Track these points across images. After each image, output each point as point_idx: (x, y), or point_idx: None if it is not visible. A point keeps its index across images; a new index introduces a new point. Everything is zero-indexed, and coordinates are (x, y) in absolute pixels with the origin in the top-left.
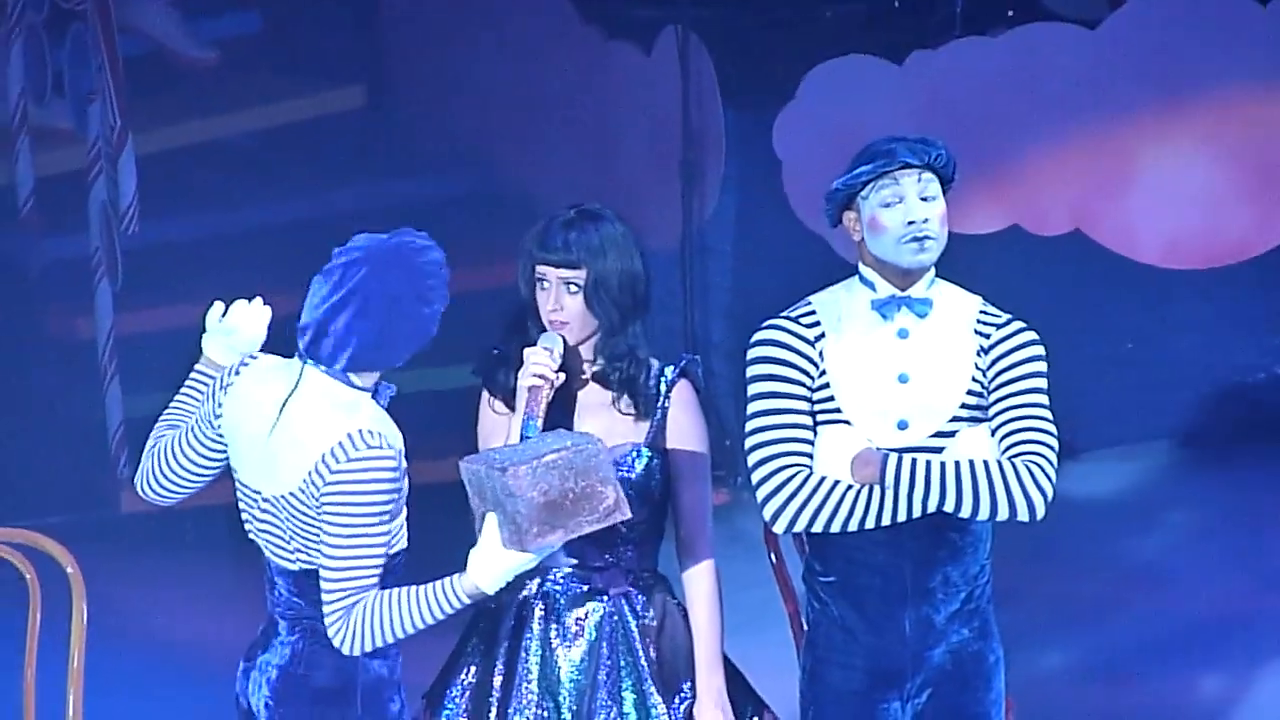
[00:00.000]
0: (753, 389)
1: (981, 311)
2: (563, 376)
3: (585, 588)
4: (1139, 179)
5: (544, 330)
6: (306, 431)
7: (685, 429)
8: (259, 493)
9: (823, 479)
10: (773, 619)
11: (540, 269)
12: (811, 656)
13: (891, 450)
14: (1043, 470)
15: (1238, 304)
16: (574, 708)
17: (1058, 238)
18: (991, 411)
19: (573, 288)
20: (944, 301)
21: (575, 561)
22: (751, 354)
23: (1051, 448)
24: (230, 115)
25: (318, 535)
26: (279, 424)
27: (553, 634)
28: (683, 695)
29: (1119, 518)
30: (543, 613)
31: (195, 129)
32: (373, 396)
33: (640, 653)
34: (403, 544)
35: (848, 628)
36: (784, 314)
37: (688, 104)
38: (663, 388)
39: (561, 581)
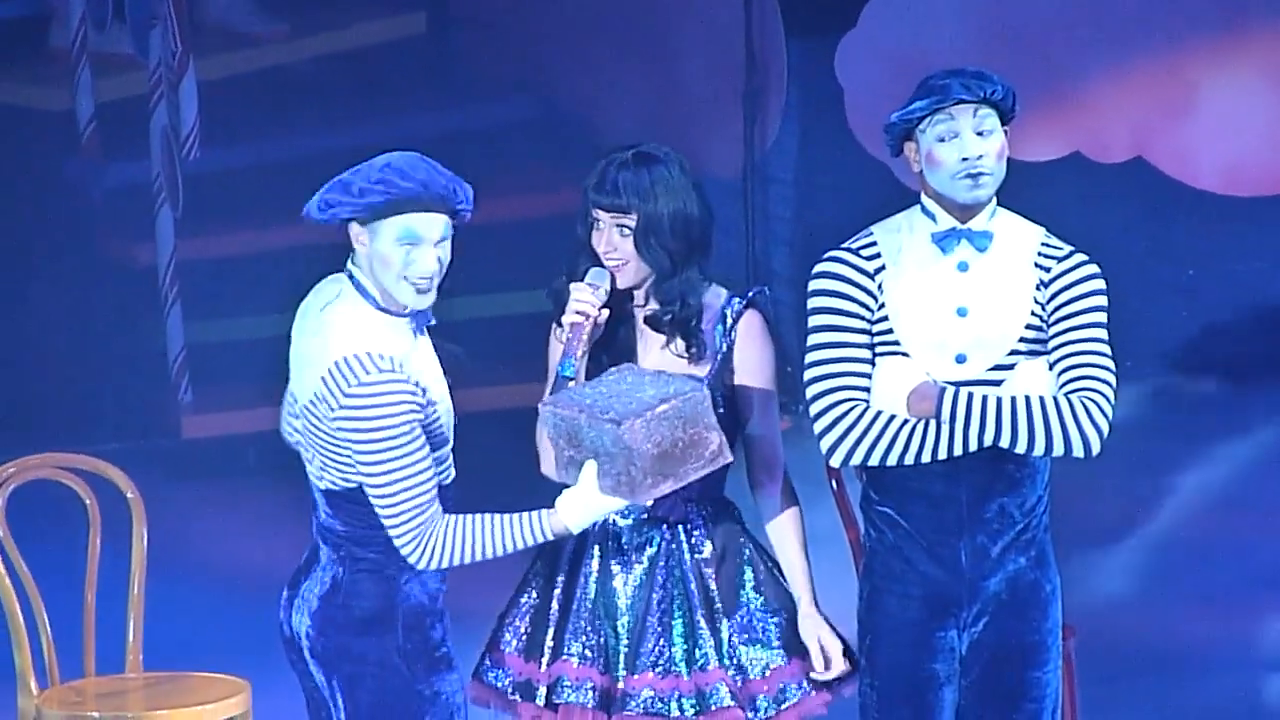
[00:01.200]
0: (812, 321)
1: (1043, 244)
2: (606, 314)
3: (645, 515)
4: (1200, 106)
5: (599, 267)
6: (326, 341)
7: (752, 359)
8: (296, 400)
9: (879, 413)
10: (834, 546)
11: (594, 211)
12: (869, 584)
13: (950, 384)
14: (1099, 407)
15: None
16: (630, 633)
17: (1119, 165)
18: (1050, 345)
19: (624, 230)
20: (1005, 234)
21: None
22: (812, 285)
23: (1110, 384)
24: (291, 41)
25: (333, 456)
26: (310, 328)
27: (612, 560)
28: (742, 609)
29: (1180, 445)
30: (603, 539)
31: (256, 55)
32: (411, 323)
33: (693, 581)
34: (451, 475)
35: (905, 556)
36: (844, 245)
37: (750, 32)
38: (729, 320)
39: (624, 509)
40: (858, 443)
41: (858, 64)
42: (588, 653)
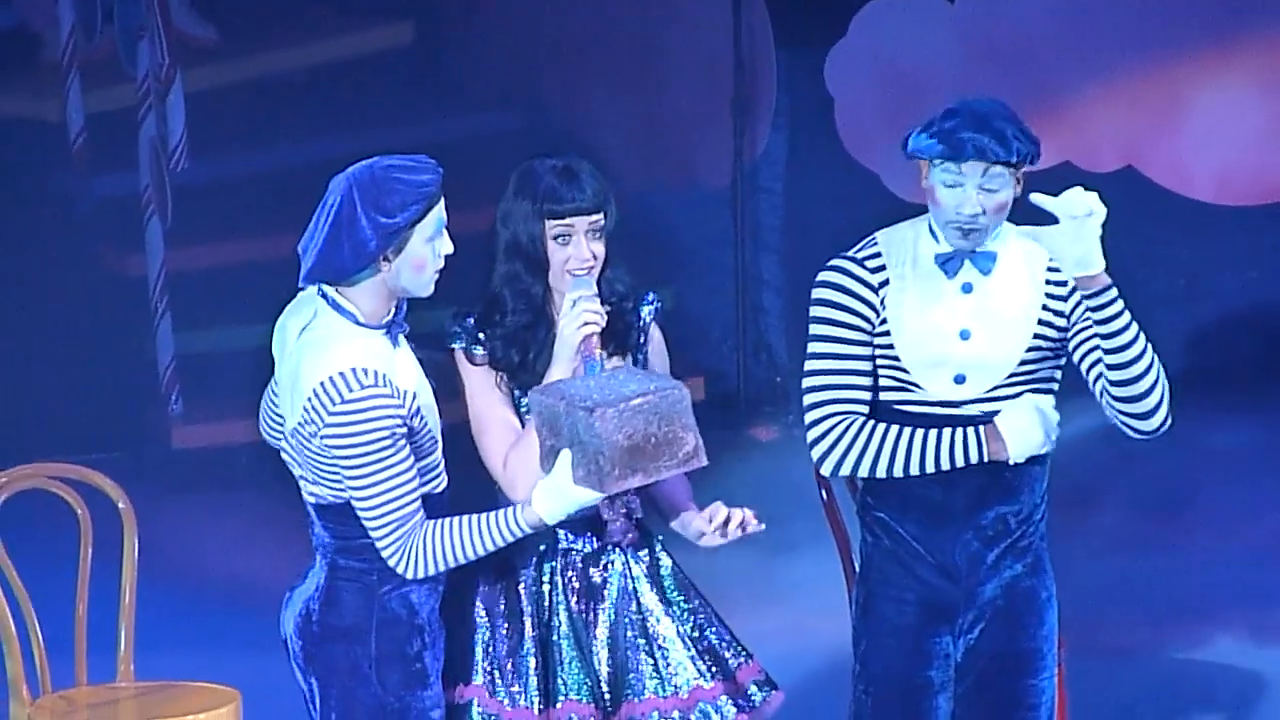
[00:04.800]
0: (813, 329)
1: (1053, 263)
2: (605, 318)
3: (598, 543)
4: (1191, 115)
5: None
6: (307, 364)
7: (664, 368)
8: (284, 421)
9: (875, 426)
10: (820, 555)
11: (565, 222)
12: (864, 590)
13: (945, 403)
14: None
15: None
16: (609, 668)
17: (1109, 174)
18: (1088, 346)
19: (597, 232)
20: (1010, 254)
21: (588, 515)
22: (815, 294)
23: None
24: (279, 52)
25: (321, 470)
26: (291, 354)
27: (576, 596)
28: (701, 616)
29: (1172, 453)
30: (562, 574)
31: (244, 66)
32: (386, 333)
33: (657, 600)
34: (443, 484)
35: (901, 562)
36: (849, 254)
37: (739, 41)
38: (638, 331)
39: (576, 539)
40: (846, 454)
41: (847, 73)
42: (585, 690)
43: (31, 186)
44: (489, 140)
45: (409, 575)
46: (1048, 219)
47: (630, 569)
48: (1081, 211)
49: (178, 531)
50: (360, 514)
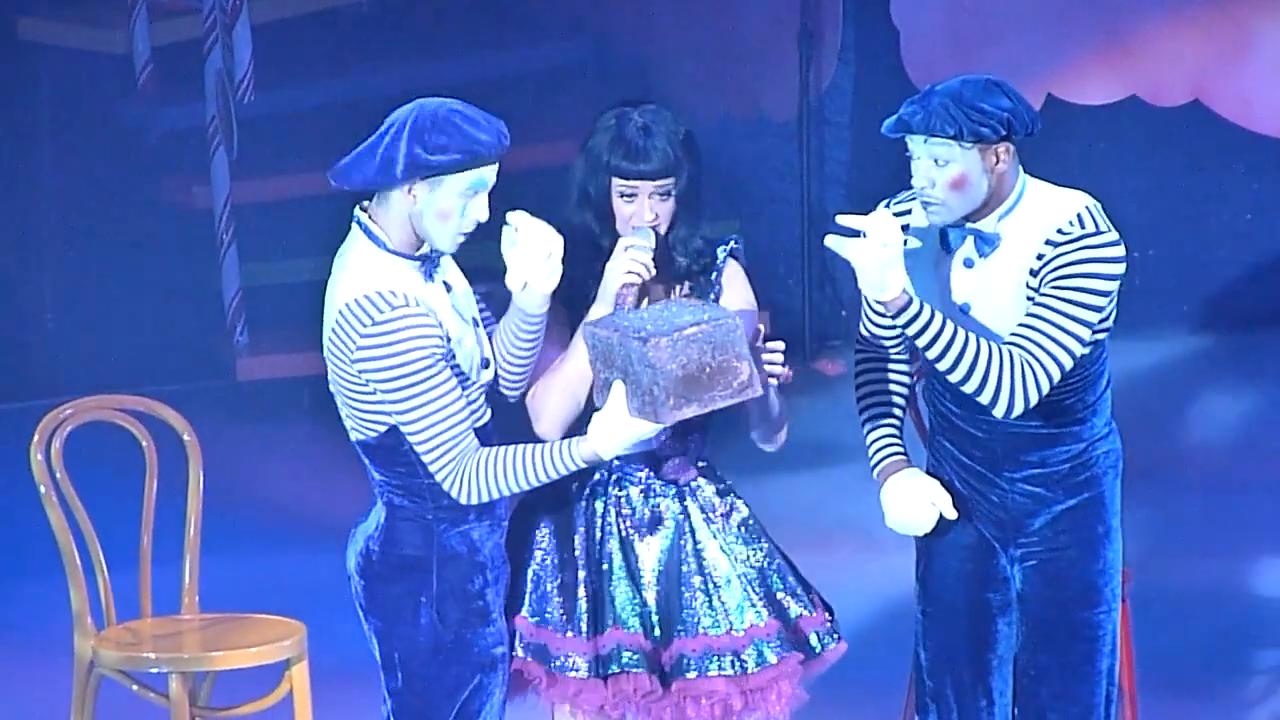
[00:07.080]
0: None
1: (1058, 230)
2: (654, 271)
3: (654, 478)
4: (1259, 49)
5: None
6: (336, 289)
7: (742, 305)
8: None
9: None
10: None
11: (630, 183)
12: None
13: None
14: (1034, 377)
15: None
16: (660, 602)
17: (1176, 109)
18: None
19: (664, 194)
20: (1015, 234)
21: (646, 451)
22: None
23: (1054, 361)
24: None
25: (357, 403)
26: (329, 281)
27: (630, 527)
28: (765, 561)
29: (1236, 388)
30: (618, 506)
31: None
32: (421, 266)
33: (715, 541)
34: (486, 415)
35: (963, 485)
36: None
37: None
38: (713, 275)
39: (631, 473)
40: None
41: (913, 5)
42: (636, 621)
43: (98, 118)
44: (556, 72)
45: (463, 501)
46: (1106, 150)
47: (687, 506)
48: (878, 240)
49: (242, 463)
50: (410, 439)
